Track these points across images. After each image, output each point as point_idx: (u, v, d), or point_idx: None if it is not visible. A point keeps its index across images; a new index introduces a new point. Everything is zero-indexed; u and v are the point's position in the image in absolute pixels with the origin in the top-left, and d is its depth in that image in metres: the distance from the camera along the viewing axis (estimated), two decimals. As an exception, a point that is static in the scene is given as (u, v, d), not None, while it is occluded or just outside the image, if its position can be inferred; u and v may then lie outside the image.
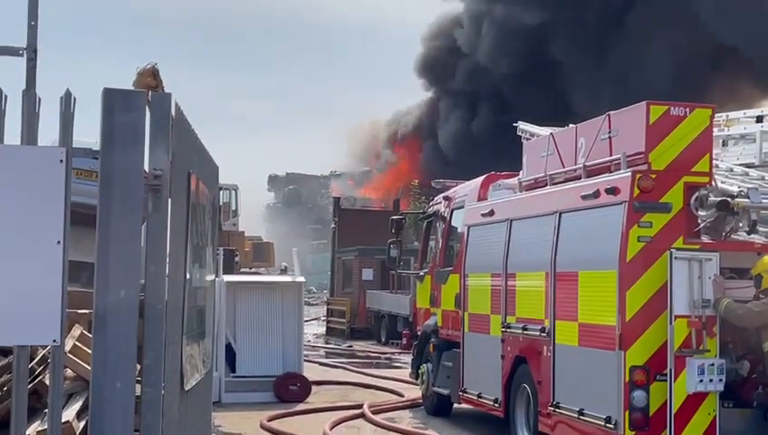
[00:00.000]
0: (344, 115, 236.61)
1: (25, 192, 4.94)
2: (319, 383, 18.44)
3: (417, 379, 16.19)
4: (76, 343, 10.08)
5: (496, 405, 12.66)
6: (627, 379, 9.54)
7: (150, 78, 7.44)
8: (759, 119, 15.57)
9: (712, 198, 9.75)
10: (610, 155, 10.72)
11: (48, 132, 5.51)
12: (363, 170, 74.97)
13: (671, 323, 9.49)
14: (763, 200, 10.15)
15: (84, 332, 10.20)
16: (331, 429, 13.44)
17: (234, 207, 38.20)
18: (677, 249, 9.61)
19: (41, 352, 9.18)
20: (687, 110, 10.14)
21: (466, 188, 15.41)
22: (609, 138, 10.80)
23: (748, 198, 9.99)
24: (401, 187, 48.44)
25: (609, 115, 10.96)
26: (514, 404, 12.16)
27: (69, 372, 9.29)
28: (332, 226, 40.25)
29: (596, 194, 10.37)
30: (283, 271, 45.21)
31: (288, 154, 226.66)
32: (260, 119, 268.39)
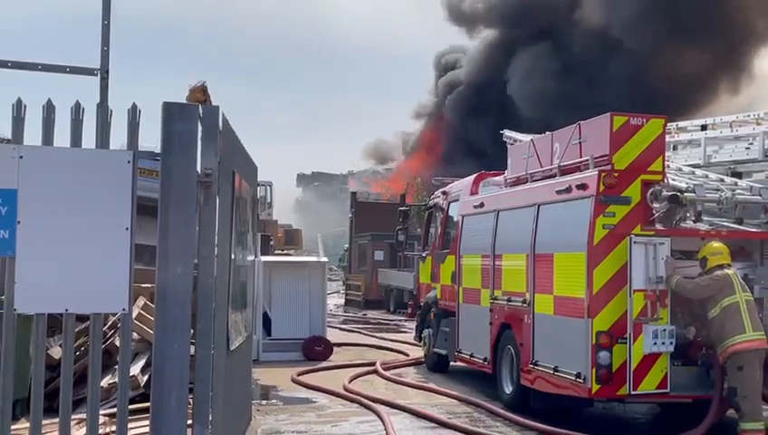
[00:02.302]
0: (362, 123, 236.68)
1: (99, 188, 4.96)
2: (339, 345, 18.41)
3: (420, 341, 16.18)
4: (141, 311, 10.08)
5: (485, 363, 12.64)
6: (594, 342, 9.52)
7: (200, 93, 7.41)
8: (703, 127, 15.53)
9: (664, 193, 9.71)
10: (580, 157, 10.68)
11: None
12: (378, 169, 74.51)
13: (630, 295, 9.47)
14: (707, 194, 10.16)
15: (147, 302, 10.21)
16: (349, 382, 13.44)
17: (269, 200, 38.04)
18: (636, 235, 9.58)
19: (111, 319, 9.19)
20: (644, 120, 10.09)
21: (461, 185, 15.36)
22: (580, 143, 10.76)
23: (694, 192, 10.00)
24: (408, 183, 48.06)
25: (579, 124, 10.92)
26: (500, 362, 12.14)
27: (134, 335, 9.28)
28: (350, 216, 40.10)
29: (568, 189, 10.34)
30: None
31: (314, 156, 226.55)
32: (289, 126, 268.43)
